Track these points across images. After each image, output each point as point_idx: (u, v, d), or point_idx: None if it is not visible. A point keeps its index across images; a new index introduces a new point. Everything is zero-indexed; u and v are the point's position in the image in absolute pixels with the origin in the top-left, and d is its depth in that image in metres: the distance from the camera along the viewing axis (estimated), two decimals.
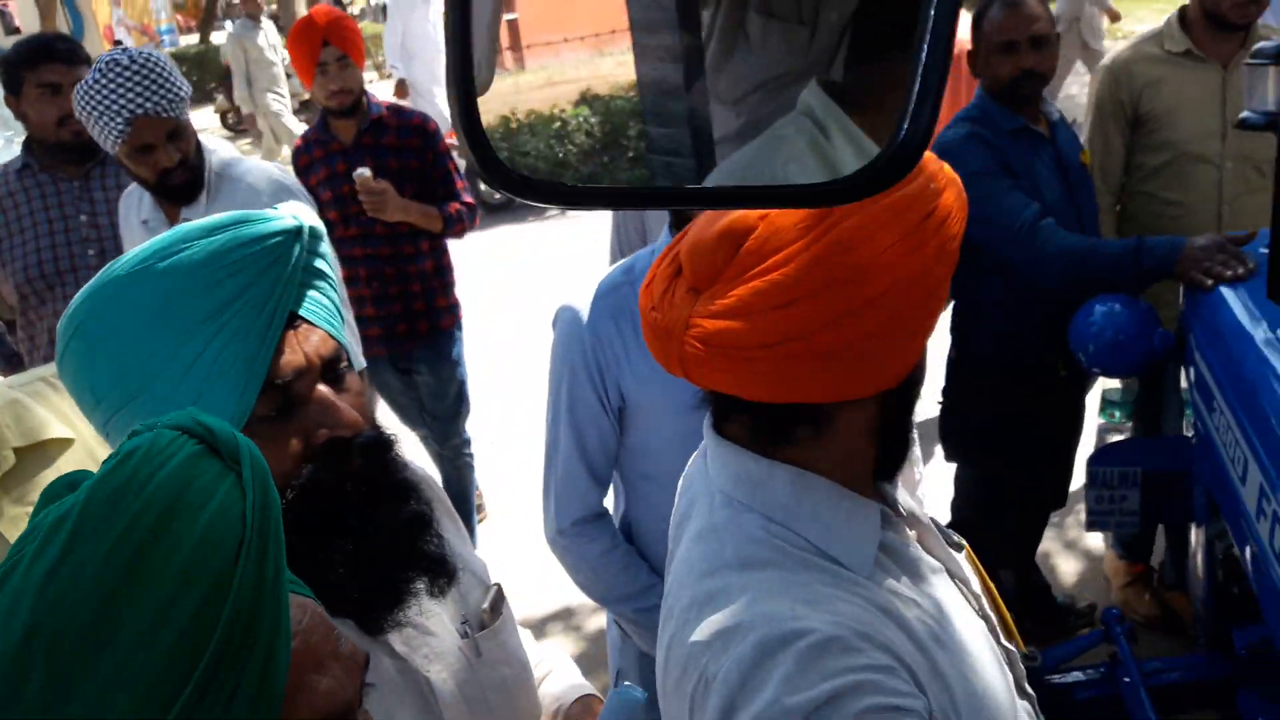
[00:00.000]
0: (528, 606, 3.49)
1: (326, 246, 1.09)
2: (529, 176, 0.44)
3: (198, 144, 2.51)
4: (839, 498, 0.89)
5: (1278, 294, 1.74)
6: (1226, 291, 2.07)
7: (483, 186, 4.28)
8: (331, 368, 1.04)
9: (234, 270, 0.98)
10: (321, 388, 1.02)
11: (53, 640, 0.52)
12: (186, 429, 0.61)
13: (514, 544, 3.70)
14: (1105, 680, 2.15)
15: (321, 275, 1.06)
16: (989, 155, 2.48)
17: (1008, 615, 1.07)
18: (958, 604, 0.95)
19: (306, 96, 10.57)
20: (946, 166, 0.89)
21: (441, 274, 3.41)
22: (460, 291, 3.52)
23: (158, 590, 0.54)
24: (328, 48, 3.10)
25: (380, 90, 5.95)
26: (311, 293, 1.04)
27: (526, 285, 6.78)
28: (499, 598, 1.26)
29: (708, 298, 0.86)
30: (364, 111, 3.20)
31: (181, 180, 2.44)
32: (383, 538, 1.04)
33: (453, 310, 3.44)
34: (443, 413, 3.55)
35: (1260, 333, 1.86)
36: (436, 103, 7.94)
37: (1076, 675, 2.17)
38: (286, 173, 2.88)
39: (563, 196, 0.51)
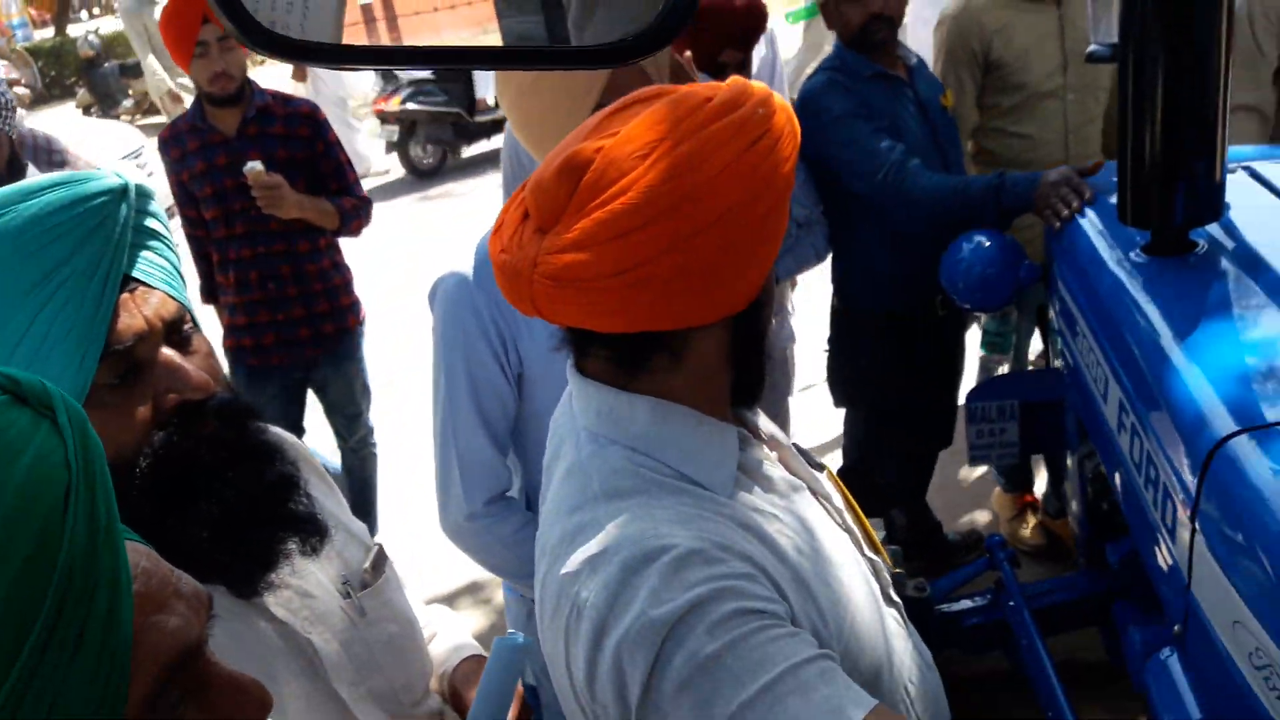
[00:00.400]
0: (434, 586, 3.46)
1: (156, 206, 1.04)
2: (287, 35, 0.42)
3: (11, 156, 2.57)
4: (697, 423, 0.93)
5: (1127, 217, 1.81)
6: (1083, 220, 2.14)
7: (413, 154, 4.09)
8: (175, 330, 1.00)
9: (57, 235, 0.93)
10: (166, 351, 0.98)
11: None
12: None
13: (419, 524, 3.66)
14: (991, 606, 2.22)
15: (155, 235, 1.02)
16: (850, 99, 2.53)
17: (870, 529, 1.12)
18: (820, 518, 0.99)
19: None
20: (776, 95, 0.90)
21: (341, 270, 3.21)
22: (374, 267, 3.47)
23: None
24: (207, 25, 2.80)
25: (264, 77, 5.78)
26: (145, 254, 0.99)
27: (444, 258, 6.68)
28: (381, 557, 1.26)
29: (553, 235, 0.86)
30: (248, 99, 2.94)
31: None
32: (245, 500, 1.02)
33: (355, 308, 3.25)
34: (349, 411, 3.41)
35: (1113, 255, 1.93)
36: (345, 82, 7.78)
37: (964, 603, 2.24)
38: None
39: (325, 54, 0.49)
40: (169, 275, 1.02)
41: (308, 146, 3.04)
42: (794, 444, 1.19)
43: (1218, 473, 1.31)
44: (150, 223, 1.02)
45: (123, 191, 0.96)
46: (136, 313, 0.96)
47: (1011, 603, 2.15)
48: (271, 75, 8.36)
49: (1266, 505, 1.20)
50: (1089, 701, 2.69)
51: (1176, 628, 1.53)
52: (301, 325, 3.09)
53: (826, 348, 3.02)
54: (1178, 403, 1.47)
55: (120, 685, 0.53)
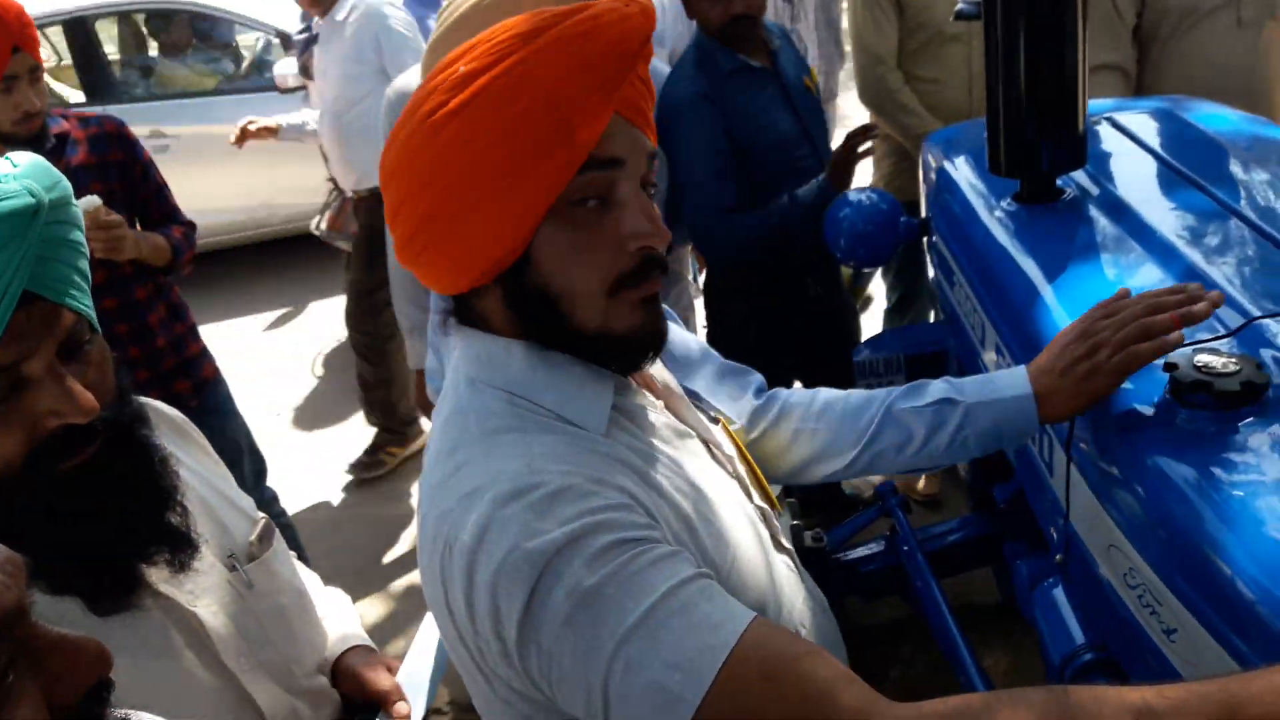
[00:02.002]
0: None
1: (73, 210, 0.99)
2: None
3: None
4: (572, 365, 0.95)
5: (997, 167, 1.87)
6: (956, 171, 2.21)
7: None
8: (72, 342, 0.97)
9: None
10: (57, 370, 0.95)
11: None
12: None
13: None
14: (887, 552, 2.28)
15: (65, 243, 0.97)
16: (709, 125, 2.53)
17: (762, 477, 1.16)
18: (705, 464, 1.03)
19: None
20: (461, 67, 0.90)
21: (180, 314, 2.71)
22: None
23: None
24: (19, 55, 2.24)
25: None
26: (52, 265, 0.95)
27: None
28: (268, 529, 1.26)
29: None
30: (42, 128, 2.38)
31: None
32: (111, 529, 1.00)
33: (206, 355, 2.76)
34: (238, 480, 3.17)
35: (985, 205, 1.99)
36: None
37: (860, 550, 2.29)
38: None
39: None
40: (72, 285, 0.98)
41: (122, 173, 2.51)
42: (693, 392, 1.23)
43: None
44: (62, 231, 0.97)
45: (35, 210, 0.91)
46: (28, 330, 0.92)
47: (905, 547, 2.21)
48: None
49: (1135, 430, 1.26)
50: (986, 642, 2.81)
51: (1058, 557, 1.59)
52: (150, 388, 2.51)
53: (704, 324, 3.04)
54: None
55: None
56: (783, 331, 2.84)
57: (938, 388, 1.27)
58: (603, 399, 0.95)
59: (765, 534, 1.06)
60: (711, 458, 1.06)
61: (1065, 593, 1.59)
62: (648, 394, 1.05)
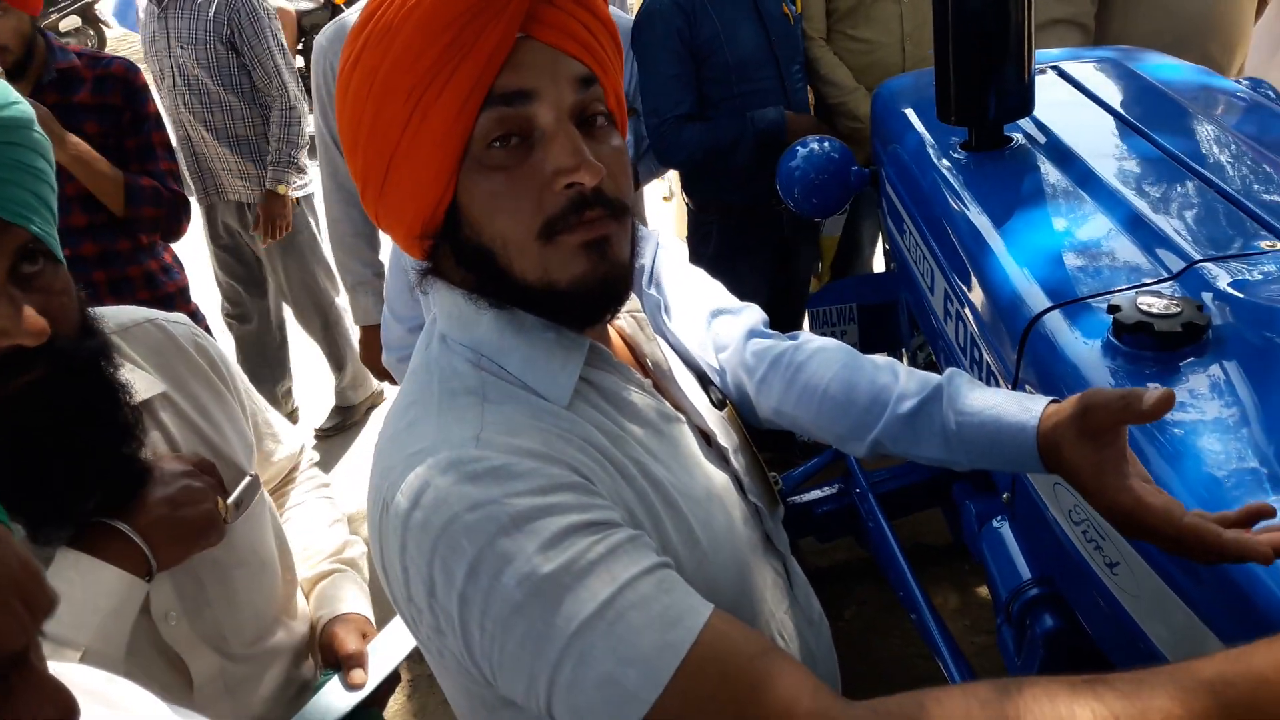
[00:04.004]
0: None
1: (31, 134, 0.97)
2: None
3: None
4: (543, 330, 0.90)
5: (946, 115, 1.89)
6: (905, 120, 2.22)
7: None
8: (24, 262, 0.95)
9: None
10: (10, 291, 0.93)
11: None
12: None
13: None
14: (840, 494, 2.33)
15: (23, 167, 0.95)
16: (671, 34, 2.67)
17: (766, 473, 1.10)
18: (690, 453, 0.96)
19: None
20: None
21: (172, 274, 2.67)
22: None
23: None
24: None
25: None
26: (6, 187, 0.93)
27: None
28: (250, 490, 1.23)
29: None
30: (41, 62, 2.41)
31: None
32: (57, 456, 0.98)
33: (198, 317, 2.65)
34: None
35: (934, 153, 2.01)
36: None
37: (815, 493, 2.34)
38: None
39: None
40: (28, 208, 0.95)
41: (116, 117, 2.48)
42: (704, 375, 1.18)
43: (1034, 345, 1.41)
44: (18, 153, 0.95)
45: None
46: None
47: (858, 490, 2.26)
48: None
49: (1077, 372, 1.30)
50: (936, 581, 2.88)
51: (1005, 496, 1.64)
52: None
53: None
54: (996, 286, 1.56)
55: None
56: (746, 241, 2.96)
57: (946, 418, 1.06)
58: (569, 369, 0.89)
59: (754, 535, 1.00)
60: (703, 446, 0.99)
61: (1012, 530, 1.64)
62: (633, 372, 0.97)
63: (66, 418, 0.98)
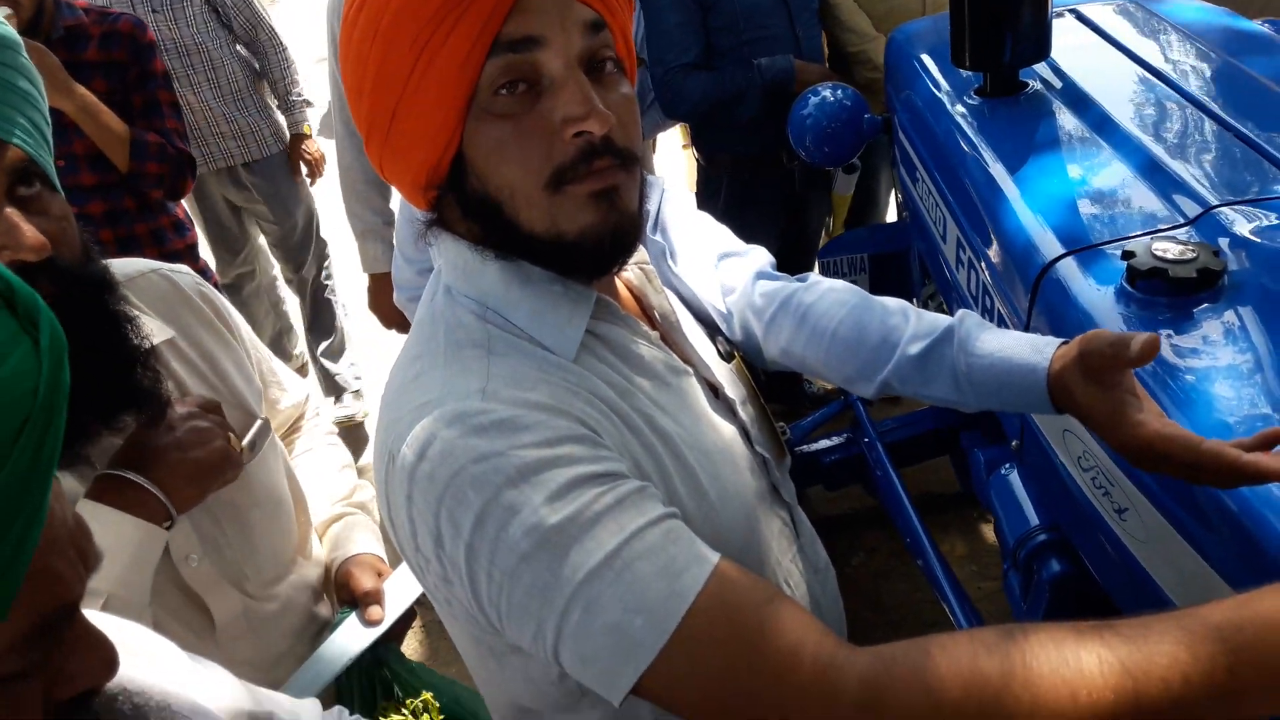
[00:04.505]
0: None
1: (19, 58, 0.97)
2: None
3: None
4: (550, 283, 0.89)
5: (960, 60, 1.87)
6: (919, 67, 2.19)
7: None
8: (21, 183, 0.95)
9: None
10: (7, 209, 0.93)
11: None
12: None
13: None
14: (848, 444, 2.34)
15: (7, 86, 0.95)
16: None
17: (774, 425, 1.09)
18: (698, 405, 0.96)
19: None
20: None
21: (181, 231, 2.65)
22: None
23: None
24: None
25: None
26: (1, 108, 0.93)
27: None
28: (261, 433, 1.24)
29: None
30: (50, 19, 2.33)
31: None
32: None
33: (206, 274, 2.68)
34: None
35: (949, 99, 1.99)
36: None
37: (823, 442, 2.35)
38: None
39: None
40: (18, 126, 0.95)
41: (122, 73, 2.42)
42: (713, 327, 1.17)
43: (1047, 292, 1.40)
44: (9, 76, 0.95)
45: None
46: None
47: (866, 439, 2.27)
48: None
49: (1090, 319, 1.29)
50: (944, 528, 2.90)
51: (1015, 444, 1.64)
52: None
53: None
54: (1009, 233, 1.55)
55: None
56: (754, 194, 2.93)
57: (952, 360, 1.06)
58: (576, 322, 0.88)
59: (761, 485, 1.00)
60: (710, 398, 0.99)
61: (1020, 477, 1.65)
62: (640, 324, 0.96)
63: (73, 339, 0.99)
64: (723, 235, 1.28)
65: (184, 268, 1.29)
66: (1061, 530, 1.52)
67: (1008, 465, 1.68)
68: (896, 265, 2.61)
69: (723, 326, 1.21)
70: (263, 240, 3.76)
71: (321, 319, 3.92)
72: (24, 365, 0.52)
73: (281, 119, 3.55)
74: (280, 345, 3.91)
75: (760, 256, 1.24)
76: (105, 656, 0.59)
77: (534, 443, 0.77)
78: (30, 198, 0.97)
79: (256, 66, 3.49)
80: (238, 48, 3.40)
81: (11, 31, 0.96)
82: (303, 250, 3.75)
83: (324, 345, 3.94)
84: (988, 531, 2.86)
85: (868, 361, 1.11)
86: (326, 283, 3.90)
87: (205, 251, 2.86)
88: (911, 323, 1.10)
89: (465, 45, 0.79)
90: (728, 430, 0.98)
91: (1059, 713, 0.67)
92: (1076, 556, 1.48)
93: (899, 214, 2.90)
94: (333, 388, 3.97)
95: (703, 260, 1.23)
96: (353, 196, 2.65)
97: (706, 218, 1.32)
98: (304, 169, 3.59)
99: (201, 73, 3.30)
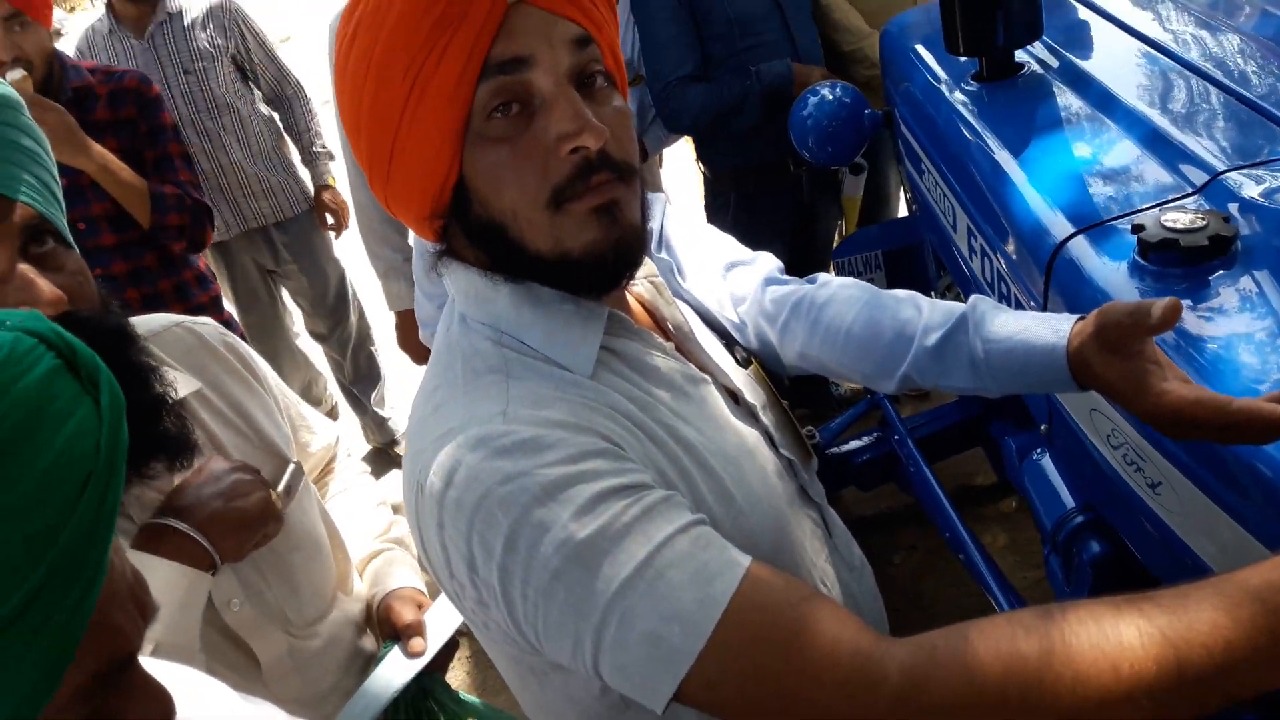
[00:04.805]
0: None
1: (22, 118, 1.00)
2: None
3: None
4: (561, 303, 0.89)
5: (954, 46, 1.86)
6: (915, 58, 2.19)
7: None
8: (35, 242, 0.98)
9: None
10: (22, 266, 0.96)
11: None
12: (44, 338, 0.55)
13: None
14: (879, 442, 2.32)
15: (14, 146, 0.98)
16: None
17: (797, 427, 1.09)
18: (719, 412, 0.96)
19: None
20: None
21: (205, 285, 2.67)
22: None
23: (7, 498, 0.50)
24: None
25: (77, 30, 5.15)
26: (7, 167, 0.96)
27: None
28: (296, 477, 1.25)
29: None
30: (58, 83, 2.38)
31: None
32: None
33: (232, 326, 2.72)
34: None
35: (947, 88, 1.98)
36: None
37: (854, 443, 2.34)
38: None
39: None
40: (24, 184, 0.98)
41: (133, 130, 2.45)
42: (728, 335, 1.17)
43: (1060, 272, 1.39)
44: (9, 134, 0.98)
45: None
46: None
47: (896, 437, 2.25)
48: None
49: (1106, 296, 1.28)
50: (983, 520, 2.87)
51: (1043, 428, 1.63)
52: None
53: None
54: (1018, 217, 1.54)
55: (60, 673, 0.52)
56: (763, 207, 2.93)
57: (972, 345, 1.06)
58: (590, 339, 0.89)
59: (789, 488, 1.00)
60: (731, 405, 0.99)
61: (1052, 460, 1.63)
62: (654, 336, 0.97)
63: None
64: (728, 245, 1.28)
65: (207, 320, 1.31)
66: (1098, 510, 1.51)
67: (1038, 450, 1.67)
68: (911, 260, 2.61)
69: (737, 337, 1.21)
70: (285, 294, 3.73)
71: (371, 372, 3.87)
72: (86, 424, 0.54)
73: (305, 173, 3.52)
74: (309, 394, 3.89)
75: (768, 262, 1.25)
76: (163, 706, 0.60)
77: (558, 460, 0.78)
78: (44, 255, 0.99)
79: (279, 123, 3.46)
80: (259, 105, 3.38)
81: (13, 92, 0.99)
82: (340, 306, 3.69)
83: (374, 394, 3.89)
84: (1026, 520, 2.84)
85: (885, 358, 1.11)
86: (368, 333, 3.84)
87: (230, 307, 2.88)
88: (925, 314, 1.09)
89: (456, 70, 0.80)
90: (751, 435, 0.98)
91: (1102, 687, 0.66)
92: (1115, 535, 1.47)
93: (909, 209, 2.90)
94: (387, 433, 3.93)
95: (710, 272, 1.23)
96: (371, 236, 2.68)
97: (710, 229, 1.32)
98: (329, 220, 3.55)
99: (232, 133, 3.27)
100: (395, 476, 3.47)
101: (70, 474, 0.53)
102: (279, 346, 3.69)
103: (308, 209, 3.50)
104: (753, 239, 2.23)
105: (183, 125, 3.12)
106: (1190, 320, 1.18)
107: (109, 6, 3.09)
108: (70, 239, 1.04)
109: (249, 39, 3.29)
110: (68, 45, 3.22)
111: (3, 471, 0.50)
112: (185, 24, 3.13)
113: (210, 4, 3.18)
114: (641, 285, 1.05)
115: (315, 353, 4.01)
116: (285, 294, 3.71)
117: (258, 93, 3.39)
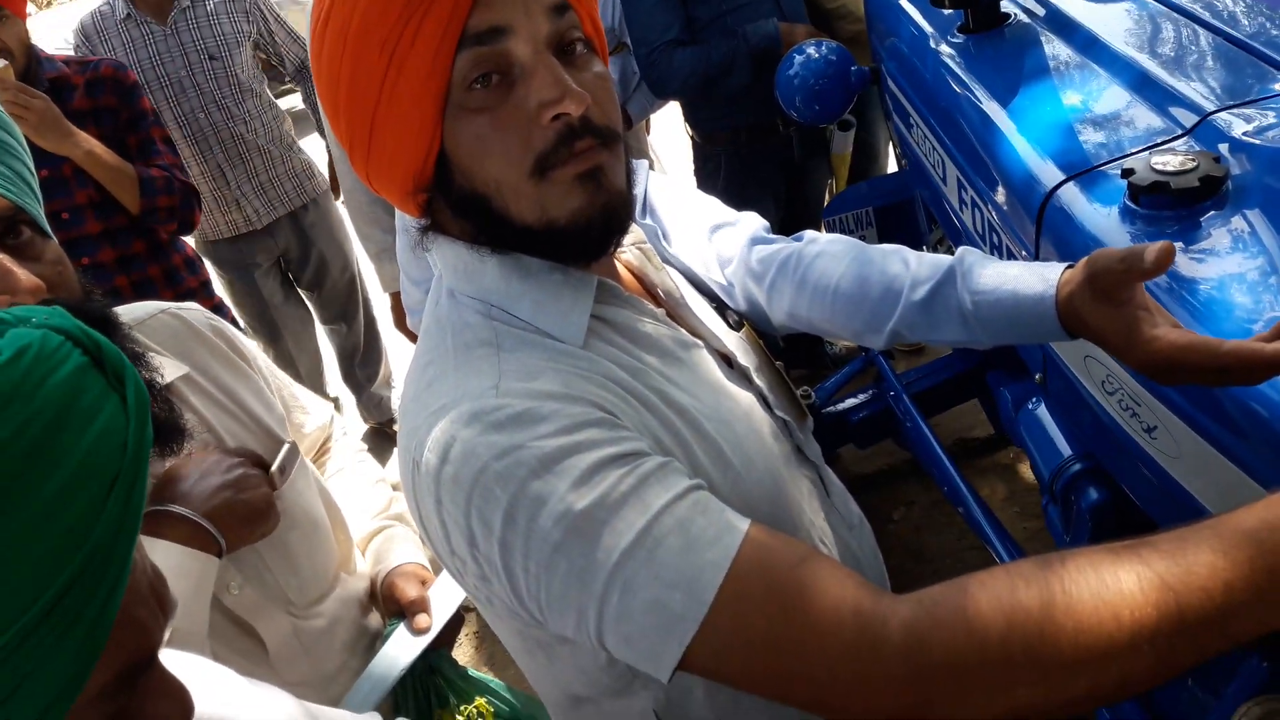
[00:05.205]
0: None
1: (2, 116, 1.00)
2: None
3: None
4: (549, 272, 0.89)
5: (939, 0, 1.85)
6: (902, 11, 2.17)
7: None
8: (10, 232, 0.98)
9: None
10: None
11: None
12: (71, 335, 0.55)
13: None
14: (874, 399, 2.32)
15: None
16: None
17: (791, 387, 1.09)
18: (712, 375, 0.96)
19: None
20: None
21: (194, 268, 2.64)
22: None
23: (28, 509, 0.49)
24: None
25: (42, 24, 4.92)
26: None
27: None
28: (290, 456, 1.25)
29: None
30: (34, 75, 2.35)
31: None
32: None
33: (221, 311, 2.69)
34: None
35: (934, 41, 1.97)
36: None
37: (849, 401, 2.34)
38: None
39: None
40: (4, 179, 0.98)
41: (114, 117, 2.44)
42: (719, 300, 1.17)
43: (1051, 220, 1.38)
44: None
45: None
46: None
47: (892, 393, 2.26)
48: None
49: (1097, 241, 1.28)
50: (981, 472, 2.89)
51: (1038, 377, 1.63)
52: None
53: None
54: (1008, 166, 1.53)
55: (87, 671, 0.52)
56: (756, 168, 2.92)
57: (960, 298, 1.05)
58: (579, 308, 0.89)
59: (785, 448, 1.00)
60: (724, 369, 0.99)
61: (1048, 409, 1.64)
62: (645, 303, 0.96)
63: None
64: (713, 207, 1.27)
65: (194, 305, 1.30)
66: (1095, 457, 1.51)
67: (1034, 399, 1.67)
68: (902, 215, 2.59)
69: (725, 298, 1.20)
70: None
71: (374, 352, 3.85)
72: (114, 422, 0.54)
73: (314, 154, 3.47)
74: (316, 385, 3.81)
75: (753, 222, 1.24)
76: (182, 704, 0.61)
77: (553, 432, 0.78)
78: (21, 245, 0.99)
79: (303, 100, 3.39)
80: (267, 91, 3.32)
81: None
82: (350, 288, 3.64)
83: (376, 374, 3.87)
84: (1026, 471, 2.85)
85: (873, 313, 1.10)
86: (373, 314, 3.80)
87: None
88: (912, 268, 1.09)
89: (433, 43, 0.79)
90: (745, 398, 0.98)
91: (1103, 635, 0.67)
92: (1113, 482, 1.47)
93: (899, 165, 2.89)
94: (384, 411, 3.92)
95: (696, 235, 1.23)
96: (360, 217, 2.65)
97: (694, 192, 1.31)
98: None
99: (257, 117, 3.21)
100: (395, 455, 3.46)
101: (99, 471, 0.53)
102: (302, 337, 3.62)
103: (325, 188, 3.47)
104: (744, 200, 2.22)
105: (205, 110, 3.09)
106: (1183, 262, 1.18)
107: None
108: (47, 228, 1.03)
109: (269, 20, 3.25)
110: (62, 33, 3.16)
111: (34, 470, 0.50)
112: (208, 9, 3.08)
113: None
114: (630, 252, 1.05)
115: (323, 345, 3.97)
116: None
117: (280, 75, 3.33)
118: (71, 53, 2.89)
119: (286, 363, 3.51)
